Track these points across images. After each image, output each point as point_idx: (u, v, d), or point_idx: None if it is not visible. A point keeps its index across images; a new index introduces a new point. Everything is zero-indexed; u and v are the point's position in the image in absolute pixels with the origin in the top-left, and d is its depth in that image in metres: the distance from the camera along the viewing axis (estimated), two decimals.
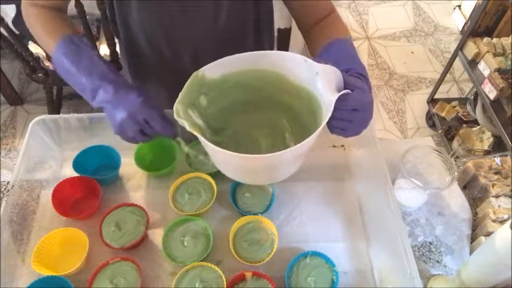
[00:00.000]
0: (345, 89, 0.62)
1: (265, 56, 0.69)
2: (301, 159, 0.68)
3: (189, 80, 0.67)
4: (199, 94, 0.71)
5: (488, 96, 1.81)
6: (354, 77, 0.65)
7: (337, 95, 0.60)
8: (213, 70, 0.69)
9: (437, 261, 0.86)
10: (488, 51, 1.87)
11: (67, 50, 0.73)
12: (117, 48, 1.92)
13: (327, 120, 0.60)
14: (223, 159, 0.65)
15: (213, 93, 0.72)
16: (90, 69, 0.71)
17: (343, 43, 0.72)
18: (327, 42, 0.72)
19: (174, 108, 0.65)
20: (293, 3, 0.82)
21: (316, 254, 0.79)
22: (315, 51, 0.77)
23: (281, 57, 0.68)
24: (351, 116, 0.63)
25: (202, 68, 0.68)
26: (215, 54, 0.86)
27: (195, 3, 0.79)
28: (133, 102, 0.69)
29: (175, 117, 0.64)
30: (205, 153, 0.85)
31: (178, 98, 0.66)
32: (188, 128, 0.63)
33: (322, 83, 0.62)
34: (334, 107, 0.60)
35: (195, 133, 0.62)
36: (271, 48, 0.98)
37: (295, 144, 0.59)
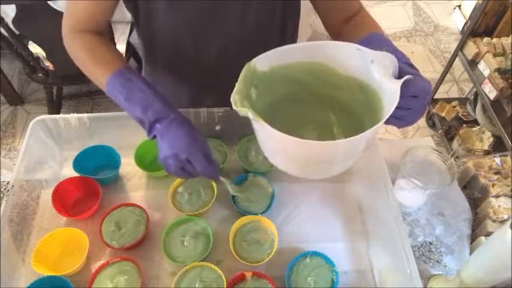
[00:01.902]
0: (399, 76, 0.59)
1: (315, 47, 0.67)
2: (358, 153, 0.65)
3: (242, 70, 0.66)
4: (251, 86, 0.69)
5: (488, 96, 1.81)
6: (406, 65, 0.62)
7: (400, 81, 0.57)
8: (264, 62, 0.67)
9: (437, 261, 0.86)
10: (488, 51, 1.87)
11: (119, 85, 0.73)
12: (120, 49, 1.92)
13: (394, 107, 0.56)
14: (289, 149, 0.62)
15: (261, 87, 0.70)
16: (144, 103, 0.72)
17: (380, 36, 0.70)
18: (363, 37, 0.70)
19: (231, 99, 0.62)
20: (322, 3, 0.81)
21: (316, 254, 0.79)
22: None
23: (331, 47, 0.66)
24: (409, 104, 0.59)
25: (254, 59, 0.66)
26: (239, 56, 0.85)
27: (223, 3, 0.79)
28: (179, 141, 0.70)
29: (234, 107, 0.62)
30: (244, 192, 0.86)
31: (235, 89, 0.64)
32: (252, 116, 0.60)
33: (378, 71, 0.60)
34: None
35: (260, 121, 0.59)
36: None
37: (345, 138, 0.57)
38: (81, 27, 0.79)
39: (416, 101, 0.60)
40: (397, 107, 0.57)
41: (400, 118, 0.61)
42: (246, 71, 0.66)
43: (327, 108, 0.74)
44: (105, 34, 0.83)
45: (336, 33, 0.83)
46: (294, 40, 0.94)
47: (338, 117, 0.74)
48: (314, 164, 0.65)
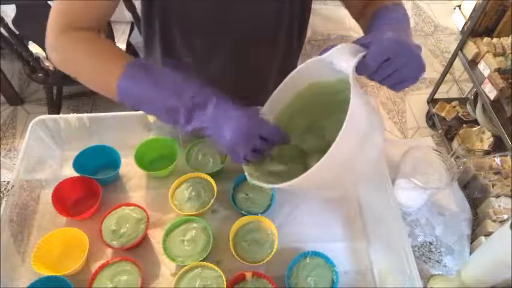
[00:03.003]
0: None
1: (295, 77, 0.69)
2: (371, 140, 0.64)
3: None
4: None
5: (488, 96, 1.81)
6: (382, 29, 0.64)
7: (352, 62, 0.59)
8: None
9: (437, 261, 0.86)
10: (488, 51, 1.87)
11: (138, 75, 0.63)
12: None
13: (352, 84, 0.57)
14: (312, 183, 0.63)
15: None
16: (176, 88, 0.62)
17: (390, 7, 0.72)
18: (374, 12, 0.73)
19: (246, 172, 0.66)
20: None
21: (316, 254, 0.79)
22: (365, 27, 0.77)
23: (304, 69, 0.68)
24: (390, 68, 0.60)
25: None
26: (248, 55, 0.84)
27: (235, 2, 0.79)
28: (240, 121, 0.61)
29: (249, 180, 0.65)
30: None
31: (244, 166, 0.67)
32: (266, 186, 0.63)
33: (344, 65, 0.61)
34: (374, 71, 0.60)
35: (270, 186, 0.62)
36: (299, 49, 0.98)
37: None
38: (78, 25, 0.69)
39: (392, 62, 0.60)
40: (386, 76, 0.61)
41: (402, 80, 0.62)
42: None
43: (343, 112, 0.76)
44: (104, 34, 0.81)
45: (359, 15, 0.85)
46: (301, 41, 0.94)
47: None
48: (322, 187, 0.67)
